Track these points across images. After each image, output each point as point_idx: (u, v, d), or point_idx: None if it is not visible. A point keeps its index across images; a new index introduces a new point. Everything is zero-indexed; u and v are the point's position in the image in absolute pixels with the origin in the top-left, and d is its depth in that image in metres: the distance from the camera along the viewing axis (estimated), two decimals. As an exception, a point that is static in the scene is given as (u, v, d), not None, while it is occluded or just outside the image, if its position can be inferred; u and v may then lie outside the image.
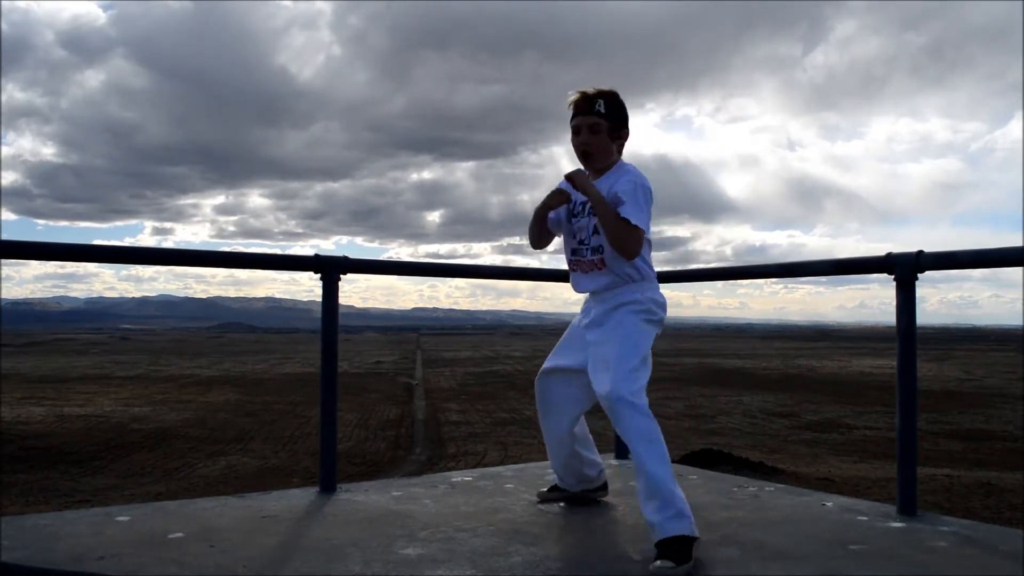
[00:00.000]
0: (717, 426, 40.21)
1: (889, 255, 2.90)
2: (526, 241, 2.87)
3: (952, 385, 58.19)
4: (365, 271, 3.45)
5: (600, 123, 2.65)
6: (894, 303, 2.88)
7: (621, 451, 3.83)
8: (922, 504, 2.91)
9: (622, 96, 2.71)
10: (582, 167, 2.71)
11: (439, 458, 31.06)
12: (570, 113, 2.71)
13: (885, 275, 2.89)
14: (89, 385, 57.80)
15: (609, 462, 3.65)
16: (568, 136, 2.75)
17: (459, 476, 3.63)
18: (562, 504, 3.06)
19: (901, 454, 2.91)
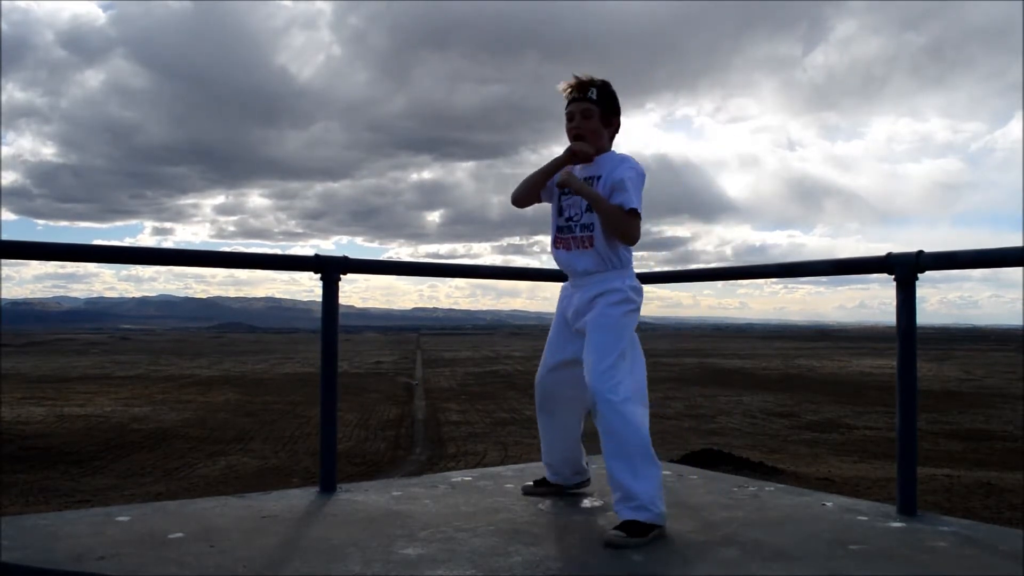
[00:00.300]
0: (717, 426, 40.21)
1: (889, 255, 2.90)
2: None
3: (952, 385, 58.19)
4: (365, 271, 3.45)
5: (592, 109, 2.77)
6: (894, 303, 2.88)
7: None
8: (922, 504, 2.91)
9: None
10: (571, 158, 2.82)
11: (439, 458, 31.07)
12: (564, 102, 2.82)
13: (885, 275, 2.89)
14: (89, 385, 57.81)
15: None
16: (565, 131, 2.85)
17: (459, 476, 3.63)
18: (548, 499, 3.10)
19: (901, 454, 2.91)
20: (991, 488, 23.38)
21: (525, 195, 2.91)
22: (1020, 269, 2.57)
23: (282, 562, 2.29)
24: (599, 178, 2.73)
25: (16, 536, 2.51)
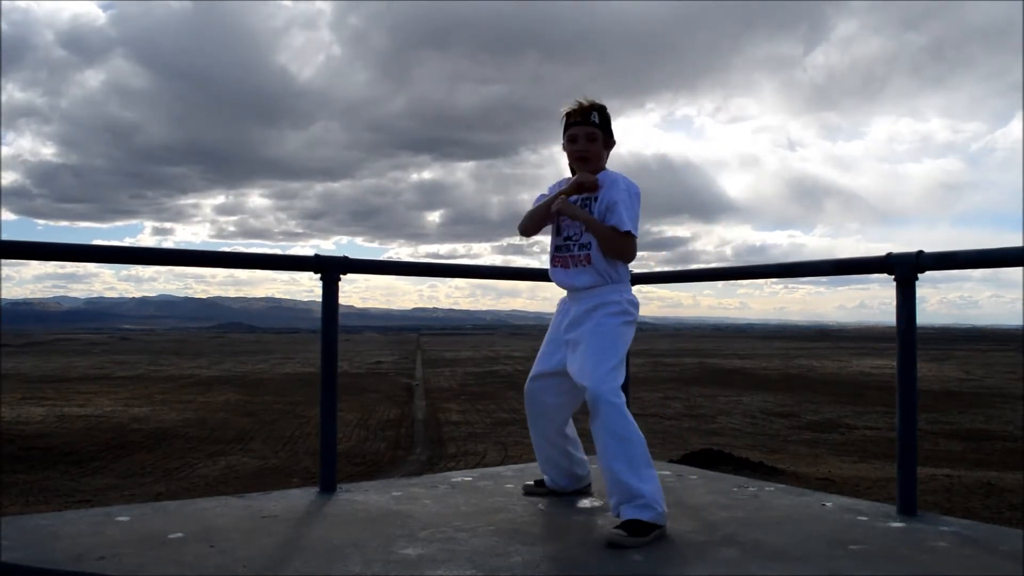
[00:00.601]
0: (717, 426, 40.18)
1: (889, 255, 2.90)
2: (526, 241, 2.99)
3: (952, 385, 58.15)
4: (365, 271, 3.46)
5: (596, 132, 2.90)
6: (894, 303, 2.88)
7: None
8: (922, 504, 2.91)
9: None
10: (569, 176, 2.99)
11: (439, 458, 31.05)
12: (563, 122, 2.95)
13: (885, 275, 2.89)
14: (89, 385, 57.79)
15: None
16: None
17: (459, 476, 3.64)
18: (547, 499, 3.13)
19: (901, 454, 2.92)
20: (991, 488, 23.36)
21: (533, 227, 3.02)
22: (1020, 269, 2.57)
23: (282, 562, 2.29)
24: (595, 199, 2.86)
25: (16, 536, 2.51)
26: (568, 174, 3.07)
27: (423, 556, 2.35)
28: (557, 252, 2.97)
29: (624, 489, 2.57)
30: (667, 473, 3.68)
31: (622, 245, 2.78)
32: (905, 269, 2.83)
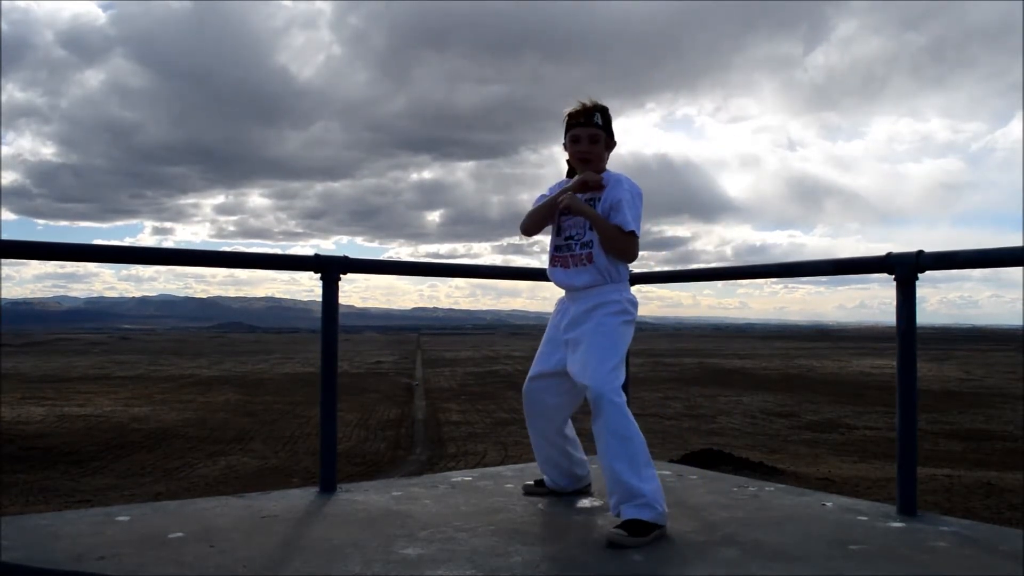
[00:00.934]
0: (717, 426, 40.17)
1: (889, 255, 2.90)
2: (527, 241, 2.99)
3: (952, 385, 58.15)
4: (365, 271, 3.46)
5: (599, 134, 2.90)
6: (894, 303, 2.88)
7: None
8: (922, 504, 2.91)
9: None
10: (571, 176, 2.98)
11: (439, 458, 31.04)
12: (565, 123, 2.95)
13: (885, 275, 2.89)
14: (89, 385, 57.79)
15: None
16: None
17: (459, 476, 3.64)
18: (547, 499, 3.13)
19: (901, 454, 2.92)
20: (991, 488, 23.36)
21: (535, 226, 3.03)
22: (1020, 269, 2.57)
23: (282, 562, 2.29)
24: (598, 199, 2.86)
25: (16, 536, 2.51)
26: (566, 174, 3.07)
27: (423, 556, 2.35)
28: (557, 252, 2.97)
29: (624, 489, 2.57)
30: (667, 473, 3.68)
31: (626, 244, 2.79)
32: (905, 269, 2.83)
